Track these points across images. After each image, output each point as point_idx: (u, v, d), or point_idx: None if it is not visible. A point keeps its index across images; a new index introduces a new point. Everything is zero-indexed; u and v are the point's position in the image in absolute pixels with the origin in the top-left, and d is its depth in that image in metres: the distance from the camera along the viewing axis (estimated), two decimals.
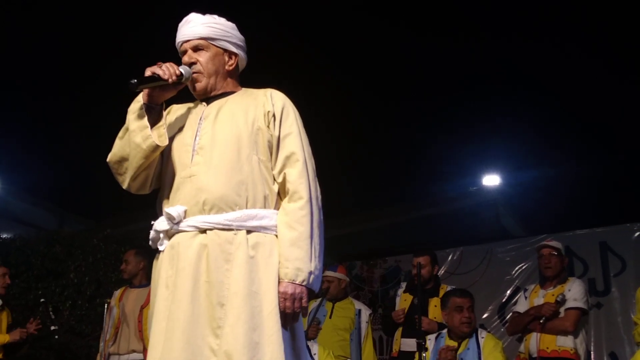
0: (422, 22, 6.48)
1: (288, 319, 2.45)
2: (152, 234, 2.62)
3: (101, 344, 5.57)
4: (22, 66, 6.84)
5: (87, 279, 7.56)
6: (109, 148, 2.68)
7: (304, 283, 2.45)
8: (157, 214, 2.68)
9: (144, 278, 5.80)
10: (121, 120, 2.66)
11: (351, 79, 7.20)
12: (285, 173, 2.56)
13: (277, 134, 2.60)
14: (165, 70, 2.55)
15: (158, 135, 2.56)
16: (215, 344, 2.36)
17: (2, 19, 6.11)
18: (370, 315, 6.09)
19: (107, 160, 2.66)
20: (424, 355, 4.80)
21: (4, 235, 8.59)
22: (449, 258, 8.34)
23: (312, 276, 2.47)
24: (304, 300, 2.46)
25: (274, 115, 2.61)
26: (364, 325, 5.93)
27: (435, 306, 5.42)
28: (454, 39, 6.65)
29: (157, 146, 2.53)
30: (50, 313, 5.71)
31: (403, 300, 5.73)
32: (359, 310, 6.00)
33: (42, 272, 7.58)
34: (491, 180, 11.47)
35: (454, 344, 4.83)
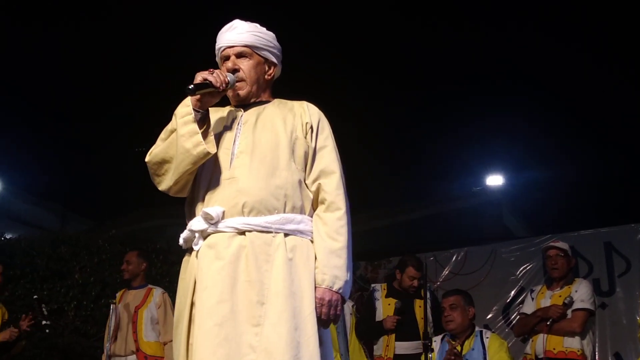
0: (425, 21, 6.50)
1: (321, 324, 2.53)
2: (186, 233, 2.66)
3: (106, 345, 5.60)
4: (26, 70, 6.87)
5: (92, 279, 7.57)
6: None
7: (340, 291, 2.55)
8: (185, 214, 2.72)
9: (143, 279, 5.88)
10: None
11: (353, 78, 7.22)
12: (320, 183, 2.65)
13: (313, 145, 2.70)
14: (217, 77, 2.59)
15: (208, 143, 2.58)
16: (254, 340, 2.43)
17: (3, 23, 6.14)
18: (353, 307, 6.08)
19: (147, 160, 2.68)
20: (430, 356, 4.82)
21: (8, 236, 8.60)
22: (453, 258, 8.32)
23: (347, 285, 2.58)
24: (339, 308, 2.55)
25: (311, 127, 2.71)
26: (348, 317, 5.92)
27: (420, 307, 5.46)
28: (456, 40, 6.67)
29: (208, 153, 2.56)
30: (43, 308, 5.69)
31: (386, 305, 5.69)
32: None
33: (47, 273, 7.57)
34: (495, 180, 11.48)
35: (455, 343, 4.87)
